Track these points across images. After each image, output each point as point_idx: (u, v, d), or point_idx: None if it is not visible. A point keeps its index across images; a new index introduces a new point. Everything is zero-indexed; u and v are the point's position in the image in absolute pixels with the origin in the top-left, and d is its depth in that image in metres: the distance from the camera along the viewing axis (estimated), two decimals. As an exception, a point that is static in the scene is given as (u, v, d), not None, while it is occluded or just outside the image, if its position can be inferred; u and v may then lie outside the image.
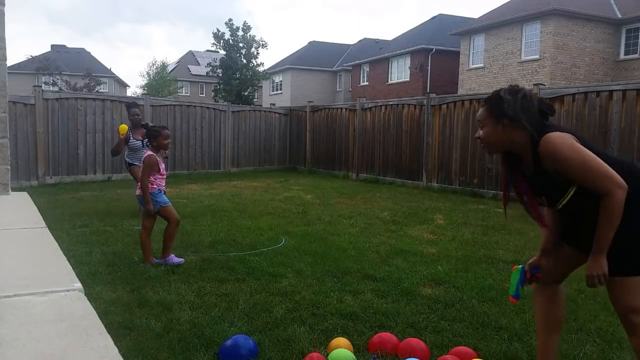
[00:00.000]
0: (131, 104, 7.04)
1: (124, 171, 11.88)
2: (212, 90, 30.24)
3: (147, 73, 47.31)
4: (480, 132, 2.22)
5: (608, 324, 3.17)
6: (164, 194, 4.55)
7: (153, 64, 48.36)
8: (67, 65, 40.42)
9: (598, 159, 2.03)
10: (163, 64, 49.28)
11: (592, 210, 2.05)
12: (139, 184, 4.46)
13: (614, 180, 1.99)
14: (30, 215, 2.24)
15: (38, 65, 33.06)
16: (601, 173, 2.00)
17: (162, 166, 4.49)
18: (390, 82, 29.68)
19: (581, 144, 2.07)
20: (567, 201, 2.14)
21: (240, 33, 26.74)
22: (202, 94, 51.70)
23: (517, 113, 2.09)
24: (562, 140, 2.05)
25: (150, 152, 4.43)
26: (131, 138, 6.80)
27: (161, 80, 43.83)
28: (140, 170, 6.48)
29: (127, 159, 6.99)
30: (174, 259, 4.43)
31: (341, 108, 13.61)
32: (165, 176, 4.54)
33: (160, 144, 4.45)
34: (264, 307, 3.36)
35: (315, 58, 37.17)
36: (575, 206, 2.14)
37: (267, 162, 14.91)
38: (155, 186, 4.41)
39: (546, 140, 2.06)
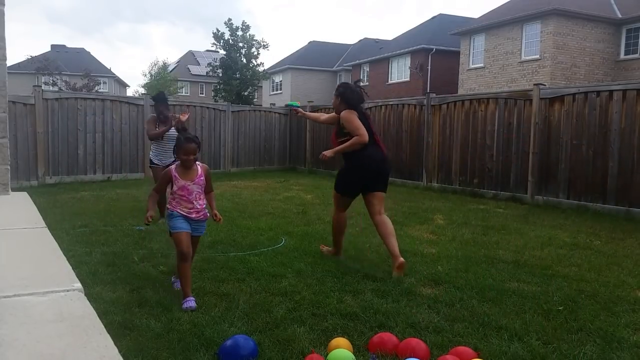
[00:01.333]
0: (159, 98, 6.64)
1: (124, 171, 11.91)
2: (212, 90, 30.25)
3: (149, 72, 47.36)
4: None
5: (608, 324, 3.17)
6: (187, 219, 3.58)
7: (155, 64, 48.44)
8: (67, 65, 40.45)
9: (360, 124, 4.34)
10: (164, 63, 49.32)
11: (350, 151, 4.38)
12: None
13: (362, 132, 4.28)
14: (30, 215, 2.24)
15: (38, 65, 33.07)
16: (359, 129, 4.29)
17: (181, 183, 3.54)
18: (390, 82, 29.69)
19: (359, 117, 4.41)
20: (343, 140, 4.41)
21: (239, 33, 26.74)
22: (202, 94, 51.71)
23: (342, 95, 4.46)
24: (347, 112, 4.39)
25: (173, 166, 3.66)
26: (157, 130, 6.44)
27: (162, 80, 43.84)
28: (159, 171, 6.21)
29: (150, 156, 6.61)
30: (188, 302, 3.37)
31: (341, 108, 13.59)
32: (188, 198, 3.57)
33: (179, 158, 3.58)
34: (264, 307, 3.36)
35: (315, 58, 37.17)
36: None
37: (267, 162, 14.90)
38: (170, 207, 3.64)
39: (343, 112, 4.42)
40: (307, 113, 5.39)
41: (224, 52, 27.11)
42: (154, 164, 6.46)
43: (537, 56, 20.55)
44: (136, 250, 4.84)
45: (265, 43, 27.43)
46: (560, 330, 3.08)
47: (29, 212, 2.33)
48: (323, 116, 5.05)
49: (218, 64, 27.35)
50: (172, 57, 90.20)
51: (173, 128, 6.31)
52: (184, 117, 6.31)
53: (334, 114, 4.66)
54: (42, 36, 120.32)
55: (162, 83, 43.22)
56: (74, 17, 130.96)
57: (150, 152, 6.60)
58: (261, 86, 36.21)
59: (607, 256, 5.01)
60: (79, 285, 1.24)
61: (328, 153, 4.38)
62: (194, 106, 13.56)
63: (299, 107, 5.42)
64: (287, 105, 5.78)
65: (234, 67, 26.67)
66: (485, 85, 22.51)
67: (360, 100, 4.41)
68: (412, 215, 7.25)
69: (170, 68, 51.51)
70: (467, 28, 24.00)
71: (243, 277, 4.05)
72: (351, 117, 4.33)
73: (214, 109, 13.95)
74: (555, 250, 5.22)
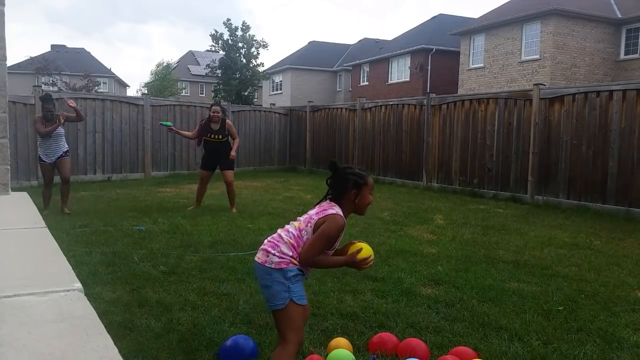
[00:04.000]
0: (45, 98, 7.02)
1: (124, 171, 11.90)
2: (212, 91, 30.22)
3: (156, 72, 47.38)
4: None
5: (608, 324, 3.17)
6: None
7: (161, 64, 48.49)
8: (67, 65, 40.42)
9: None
10: (168, 64, 49.37)
11: (228, 147, 7.42)
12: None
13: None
14: (30, 215, 2.24)
15: (38, 66, 33.05)
16: (235, 134, 7.55)
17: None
18: (390, 82, 29.67)
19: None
20: (226, 140, 7.42)
21: (239, 33, 26.72)
22: (202, 94, 51.70)
23: (224, 111, 7.61)
24: (230, 122, 7.65)
25: (336, 210, 2.35)
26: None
27: (165, 81, 43.86)
28: (47, 168, 6.90)
29: (39, 153, 7.03)
30: None
31: (341, 108, 13.61)
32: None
33: (361, 201, 2.44)
34: (264, 307, 3.35)
35: (315, 58, 37.17)
36: (225, 143, 7.44)
37: (267, 162, 14.90)
38: (292, 263, 2.26)
39: (229, 121, 7.61)
40: (180, 131, 7.97)
41: (224, 53, 27.09)
42: (42, 161, 6.97)
43: (537, 56, 20.55)
44: (136, 250, 4.84)
45: (264, 43, 27.40)
46: (560, 330, 3.08)
47: (29, 212, 2.32)
48: (189, 133, 7.87)
49: (217, 64, 27.33)
50: (172, 57, 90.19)
51: (60, 127, 6.91)
52: (71, 103, 6.91)
53: (196, 130, 7.56)
54: (42, 36, 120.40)
55: (164, 84, 43.23)
56: (73, 16, 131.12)
57: (39, 150, 7.07)
58: (261, 86, 36.20)
59: (607, 256, 5.01)
60: (79, 285, 1.24)
61: (234, 153, 7.47)
62: (194, 106, 13.56)
63: (171, 125, 7.66)
64: (160, 124, 8.05)
65: (234, 67, 26.65)
66: (485, 85, 22.50)
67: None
68: (412, 215, 7.25)
69: (170, 68, 51.55)
70: (467, 28, 24.00)
71: (243, 277, 4.05)
72: (233, 127, 7.49)
73: (214, 109, 13.92)
74: (555, 250, 5.22)
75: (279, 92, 37.32)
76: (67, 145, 7.20)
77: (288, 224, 2.43)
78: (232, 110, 14.14)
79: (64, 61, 40.27)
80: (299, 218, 2.44)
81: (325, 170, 13.79)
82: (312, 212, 2.42)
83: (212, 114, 7.35)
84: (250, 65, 27.37)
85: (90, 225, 6.08)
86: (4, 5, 2.52)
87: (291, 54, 39.98)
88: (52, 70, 32.96)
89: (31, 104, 10.39)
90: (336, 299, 3.54)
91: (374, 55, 31.29)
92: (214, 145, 7.38)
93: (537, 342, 2.89)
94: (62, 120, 6.92)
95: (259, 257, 2.31)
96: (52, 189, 7.03)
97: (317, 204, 2.47)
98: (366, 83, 31.82)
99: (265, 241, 2.35)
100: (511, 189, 9.07)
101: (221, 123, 7.34)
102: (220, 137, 7.31)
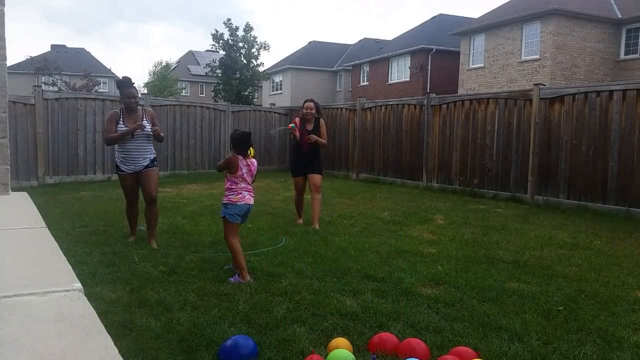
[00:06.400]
0: (125, 82, 5.14)
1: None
2: (212, 90, 30.21)
3: (154, 72, 47.37)
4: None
5: (608, 324, 3.17)
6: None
7: (160, 64, 48.51)
8: (67, 65, 40.44)
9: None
10: (167, 64, 49.38)
11: (318, 151, 6.39)
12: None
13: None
14: (30, 215, 2.24)
15: (37, 66, 33.04)
16: (325, 137, 6.38)
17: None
18: (390, 82, 29.67)
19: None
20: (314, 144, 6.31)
21: (240, 33, 26.72)
22: (202, 94, 51.71)
23: (317, 109, 6.36)
24: (324, 122, 6.47)
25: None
26: (121, 124, 5.05)
27: (165, 81, 43.85)
28: (130, 180, 5.14)
29: (116, 160, 5.28)
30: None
31: (341, 108, 13.61)
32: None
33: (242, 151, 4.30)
34: (264, 307, 3.36)
35: (315, 58, 37.17)
36: (317, 147, 6.35)
37: (267, 162, 14.89)
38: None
39: (321, 120, 6.35)
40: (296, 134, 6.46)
41: (224, 52, 27.09)
42: (120, 170, 5.19)
43: (537, 56, 20.54)
44: (136, 250, 4.84)
45: (267, 45, 27.37)
46: (560, 330, 3.08)
47: (29, 212, 2.32)
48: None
49: (217, 64, 27.32)
50: (172, 57, 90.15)
51: (148, 124, 5.09)
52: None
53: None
54: (42, 36, 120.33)
55: (164, 84, 43.22)
56: (73, 16, 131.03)
57: (116, 156, 5.27)
58: (261, 86, 36.19)
59: (607, 256, 5.01)
60: (79, 285, 1.24)
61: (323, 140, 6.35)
62: (194, 106, 13.55)
63: (294, 127, 6.29)
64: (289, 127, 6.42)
65: (234, 67, 26.64)
66: (485, 85, 22.50)
67: None
68: (412, 215, 7.25)
69: (170, 68, 51.58)
70: (467, 28, 23.99)
71: (243, 277, 4.05)
72: (324, 127, 6.46)
73: (214, 109, 13.94)
74: (555, 250, 5.22)
75: (279, 92, 37.31)
76: (154, 151, 5.26)
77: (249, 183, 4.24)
78: (232, 110, 14.15)
79: (64, 61, 40.28)
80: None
81: (325, 171, 13.73)
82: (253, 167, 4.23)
83: (304, 110, 6.23)
84: (251, 65, 27.36)
85: (90, 225, 6.08)
86: (4, 5, 2.52)
87: (291, 54, 39.98)
88: (52, 70, 32.96)
89: (31, 104, 10.39)
90: (336, 299, 3.54)
91: (374, 55, 31.29)
92: (305, 149, 6.30)
93: (537, 342, 2.89)
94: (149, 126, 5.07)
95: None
96: (137, 207, 5.38)
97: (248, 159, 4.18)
98: (366, 83, 31.81)
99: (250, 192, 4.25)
100: (511, 189, 9.07)
101: (315, 123, 6.27)
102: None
